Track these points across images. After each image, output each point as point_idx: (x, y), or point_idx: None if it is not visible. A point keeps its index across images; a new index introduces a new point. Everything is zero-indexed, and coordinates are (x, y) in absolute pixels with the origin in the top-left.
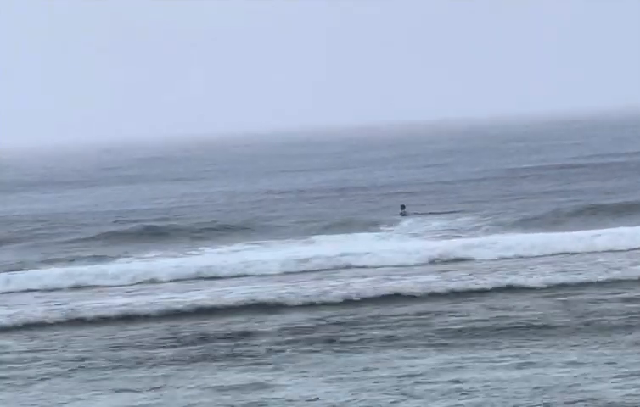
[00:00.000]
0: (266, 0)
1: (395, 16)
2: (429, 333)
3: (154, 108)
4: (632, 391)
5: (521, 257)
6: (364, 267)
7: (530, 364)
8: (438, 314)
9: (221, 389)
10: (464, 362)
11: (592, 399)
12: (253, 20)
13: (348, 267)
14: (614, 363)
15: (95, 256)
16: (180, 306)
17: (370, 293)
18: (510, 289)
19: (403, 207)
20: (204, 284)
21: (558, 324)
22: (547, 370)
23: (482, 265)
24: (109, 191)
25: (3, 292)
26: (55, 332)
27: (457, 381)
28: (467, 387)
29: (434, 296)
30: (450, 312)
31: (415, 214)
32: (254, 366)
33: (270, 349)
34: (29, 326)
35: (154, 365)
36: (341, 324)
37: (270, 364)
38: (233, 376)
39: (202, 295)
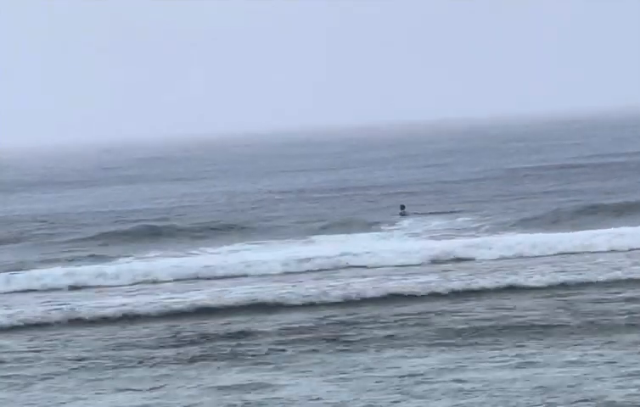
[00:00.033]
0: (266, 0)
1: (395, 16)
2: (429, 333)
3: (154, 108)
4: (633, 391)
5: (521, 257)
6: (364, 267)
7: (531, 363)
8: (438, 314)
9: (221, 389)
10: (465, 362)
11: (594, 399)
12: (253, 20)
13: (348, 267)
14: (615, 362)
15: (95, 256)
16: (180, 306)
17: (370, 293)
18: (510, 289)
19: (403, 207)
20: (204, 284)
21: (558, 324)
22: (547, 369)
23: (482, 265)
24: (109, 191)
25: (3, 292)
26: (55, 332)
27: (458, 381)
28: (468, 387)
29: (434, 296)
30: (450, 312)
31: (415, 214)
32: (254, 366)
33: (270, 349)
34: (29, 326)
35: (155, 365)
36: (341, 324)
37: (270, 364)
38: (234, 376)
39: (202, 295)
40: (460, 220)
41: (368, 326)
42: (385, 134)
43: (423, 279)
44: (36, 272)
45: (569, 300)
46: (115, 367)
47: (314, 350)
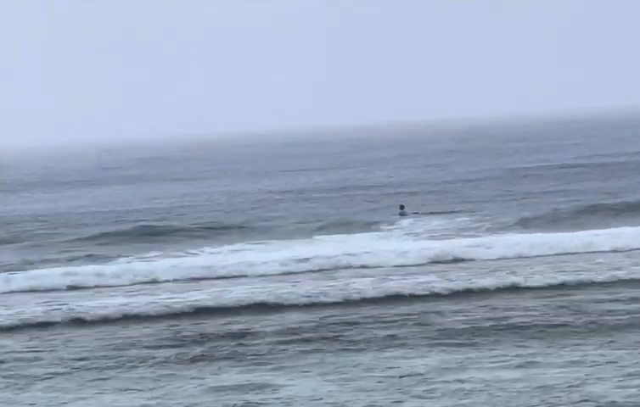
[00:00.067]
0: (266, 0)
1: (395, 16)
2: (429, 333)
3: (154, 108)
4: (634, 391)
5: (521, 257)
6: (364, 267)
7: (532, 363)
8: (438, 314)
9: (221, 389)
10: (465, 362)
11: (594, 399)
12: (253, 20)
13: (348, 267)
14: (616, 362)
15: (95, 256)
16: (180, 306)
17: (370, 293)
18: (510, 289)
19: (402, 207)
20: (204, 284)
21: (558, 324)
22: (548, 370)
23: (482, 265)
24: (109, 191)
25: (3, 292)
26: (55, 332)
27: (459, 381)
28: (468, 387)
29: (434, 296)
30: (450, 312)
31: (415, 213)
32: (254, 366)
33: (270, 349)
34: (29, 326)
35: (155, 365)
36: (341, 324)
37: (271, 364)
38: (234, 376)
39: (202, 295)
40: (460, 220)
41: (368, 326)
42: (385, 134)
43: (423, 279)
44: (35, 272)
45: (570, 300)
46: (115, 367)
47: (314, 350)
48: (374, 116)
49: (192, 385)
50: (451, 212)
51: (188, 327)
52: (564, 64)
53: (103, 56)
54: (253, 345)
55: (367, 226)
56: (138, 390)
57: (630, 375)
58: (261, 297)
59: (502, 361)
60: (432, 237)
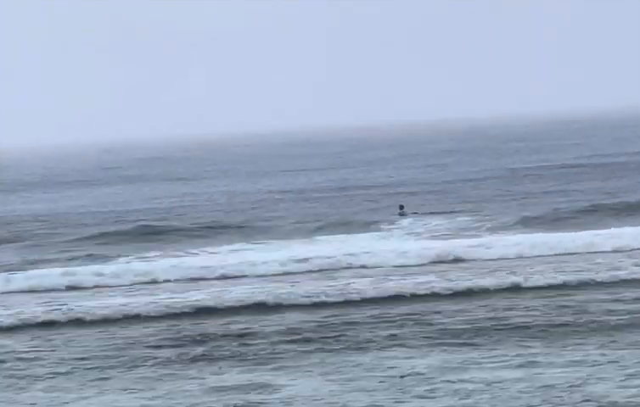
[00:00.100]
0: (266, 0)
1: (395, 16)
2: (430, 333)
3: (154, 108)
4: (635, 391)
5: (521, 257)
6: (364, 267)
7: (532, 363)
8: (439, 314)
9: (222, 389)
10: (466, 362)
11: (596, 399)
12: (253, 20)
13: (348, 267)
14: (617, 362)
15: (95, 256)
16: (180, 306)
17: (370, 293)
18: (511, 289)
19: (402, 207)
20: (204, 284)
21: (559, 324)
22: (549, 370)
23: (482, 265)
24: (109, 191)
25: (3, 292)
26: (55, 332)
27: (459, 381)
28: (470, 387)
29: (434, 296)
30: (451, 312)
31: (414, 213)
32: (255, 366)
33: (270, 349)
34: (29, 325)
35: (156, 365)
36: (342, 324)
37: (271, 364)
38: (235, 376)
39: (202, 295)
40: (460, 219)
41: (369, 326)
42: (385, 134)
43: (423, 279)
44: (35, 272)
45: (571, 300)
46: (116, 367)
47: (315, 350)
48: (374, 116)
49: (193, 385)
50: (451, 212)
51: (188, 327)
52: (564, 64)
53: (103, 56)
54: (254, 345)
55: (367, 226)
56: (140, 390)
57: (631, 375)
58: (260, 297)
59: (503, 361)
60: (432, 237)
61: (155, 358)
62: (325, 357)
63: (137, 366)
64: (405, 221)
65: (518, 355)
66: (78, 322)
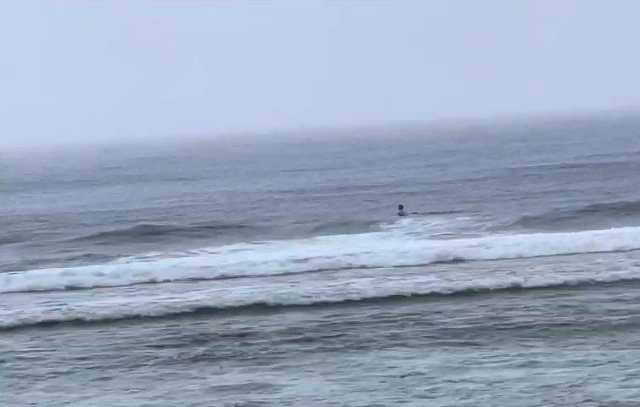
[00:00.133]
0: (266, 0)
1: (395, 16)
2: (430, 333)
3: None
4: (636, 391)
5: (521, 257)
6: (364, 267)
7: (533, 363)
8: (439, 314)
9: (223, 389)
10: (467, 362)
11: (597, 399)
12: (253, 20)
13: (348, 267)
14: (618, 362)
15: (95, 256)
16: (180, 306)
17: (370, 293)
18: (511, 289)
19: (401, 207)
20: (204, 284)
21: (559, 324)
22: (550, 369)
23: (482, 265)
24: (109, 191)
25: (3, 292)
26: (55, 332)
27: (460, 381)
28: (471, 387)
29: (434, 296)
30: (451, 312)
31: (414, 213)
32: (256, 366)
33: (271, 349)
34: (29, 325)
35: (156, 365)
36: (342, 324)
37: (271, 364)
38: (236, 376)
39: (202, 295)
40: (460, 219)
41: (369, 326)
42: (385, 134)
43: (423, 279)
44: (35, 272)
45: (571, 300)
46: (117, 367)
47: (315, 350)
48: (374, 116)
49: (194, 385)
50: (451, 212)
51: (188, 327)
52: (564, 64)
53: (103, 56)
54: (254, 345)
55: (367, 226)
56: (141, 390)
57: (632, 375)
58: (260, 297)
59: (504, 361)
60: (432, 237)
61: (156, 358)
62: (326, 357)
63: (138, 366)
64: (405, 221)
65: (519, 355)
66: (78, 322)
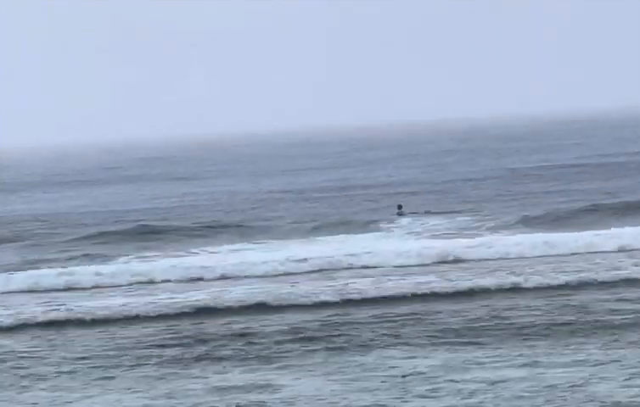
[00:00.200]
0: (266, 0)
1: (395, 16)
2: (431, 333)
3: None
4: (638, 390)
5: (521, 257)
6: (364, 267)
7: (534, 363)
8: (440, 313)
9: (225, 389)
10: (469, 361)
11: (598, 399)
12: (253, 20)
13: (348, 267)
14: (619, 361)
15: (95, 256)
16: (180, 306)
17: (371, 293)
18: (512, 289)
19: (400, 207)
20: (204, 284)
21: (560, 323)
22: (551, 370)
23: (482, 265)
24: (109, 191)
25: (3, 292)
26: (55, 332)
27: (462, 381)
28: (473, 387)
29: (435, 296)
30: (452, 312)
31: (413, 213)
32: (257, 366)
33: (272, 349)
34: (29, 325)
35: (158, 365)
36: (343, 324)
37: (273, 363)
38: (237, 376)
39: (202, 295)
40: (460, 219)
41: (370, 326)
42: (385, 134)
43: (423, 279)
44: (35, 272)
45: (572, 300)
46: (118, 366)
47: (316, 350)
48: (374, 116)
49: (196, 384)
50: (451, 212)
51: (188, 327)
52: (564, 64)
53: (103, 56)
54: (256, 345)
55: (367, 226)
56: (142, 389)
57: (634, 374)
58: (261, 297)
59: (506, 361)
60: (432, 237)
61: (157, 357)
62: (327, 357)
63: (139, 366)
64: (404, 221)
65: (520, 355)
66: (78, 322)
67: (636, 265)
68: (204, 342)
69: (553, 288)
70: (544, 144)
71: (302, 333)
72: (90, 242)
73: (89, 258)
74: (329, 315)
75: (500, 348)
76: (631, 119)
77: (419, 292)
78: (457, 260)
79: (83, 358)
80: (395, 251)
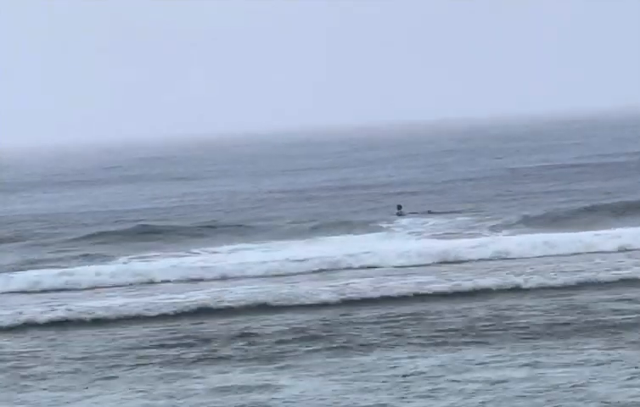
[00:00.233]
0: (266, 0)
1: (395, 16)
2: (432, 333)
3: (154, 108)
4: (639, 390)
5: (521, 257)
6: (364, 267)
7: (534, 363)
8: (440, 313)
9: (226, 389)
10: (469, 361)
11: (599, 399)
12: (253, 20)
13: (348, 267)
14: (620, 361)
15: (95, 256)
16: (180, 306)
17: (371, 293)
18: (512, 289)
19: (400, 207)
20: (203, 284)
21: (561, 323)
22: (551, 370)
23: (482, 265)
24: (109, 190)
25: (3, 292)
26: (55, 332)
27: (461, 381)
28: (473, 387)
29: (435, 296)
30: (452, 312)
31: (413, 213)
32: (257, 367)
33: (273, 349)
34: (29, 325)
35: (158, 365)
36: (343, 324)
37: (273, 364)
38: (237, 376)
39: (202, 295)
40: (460, 219)
41: (370, 326)
42: (385, 134)
43: (423, 279)
44: (35, 272)
45: (572, 300)
46: (118, 367)
47: (316, 350)
48: (374, 116)
49: (197, 384)
50: (451, 212)
51: (188, 327)
52: (564, 64)
53: (103, 56)
54: (256, 345)
55: (368, 226)
56: (143, 390)
57: (635, 374)
58: (261, 297)
59: (506, 361)
60: (432, 237)
61: (158, 357)
62: (328, 357)
63: (139, 366)
64: (405, 221)
65: (521, 355)
66: (78, 322)
67: (636, 265)
68: (204, 342)
69: (554, 288)
70: (544, 144)
71: (303, 333)
72: (90, 242)
73: (89, 258)
74: (329, 316)
75: (501, 348)
76: (631, 119)
77: (420, 292)
78: (457, 260)
79: (83, 358)
80: (395, 251)
